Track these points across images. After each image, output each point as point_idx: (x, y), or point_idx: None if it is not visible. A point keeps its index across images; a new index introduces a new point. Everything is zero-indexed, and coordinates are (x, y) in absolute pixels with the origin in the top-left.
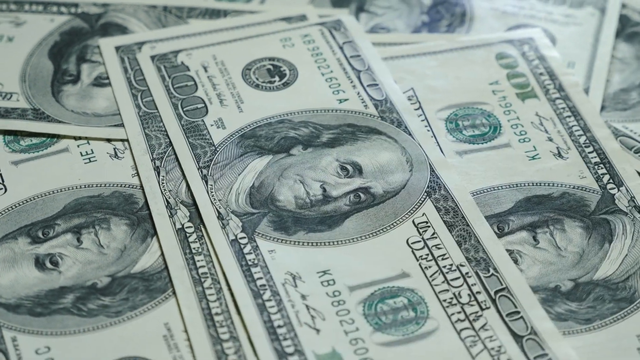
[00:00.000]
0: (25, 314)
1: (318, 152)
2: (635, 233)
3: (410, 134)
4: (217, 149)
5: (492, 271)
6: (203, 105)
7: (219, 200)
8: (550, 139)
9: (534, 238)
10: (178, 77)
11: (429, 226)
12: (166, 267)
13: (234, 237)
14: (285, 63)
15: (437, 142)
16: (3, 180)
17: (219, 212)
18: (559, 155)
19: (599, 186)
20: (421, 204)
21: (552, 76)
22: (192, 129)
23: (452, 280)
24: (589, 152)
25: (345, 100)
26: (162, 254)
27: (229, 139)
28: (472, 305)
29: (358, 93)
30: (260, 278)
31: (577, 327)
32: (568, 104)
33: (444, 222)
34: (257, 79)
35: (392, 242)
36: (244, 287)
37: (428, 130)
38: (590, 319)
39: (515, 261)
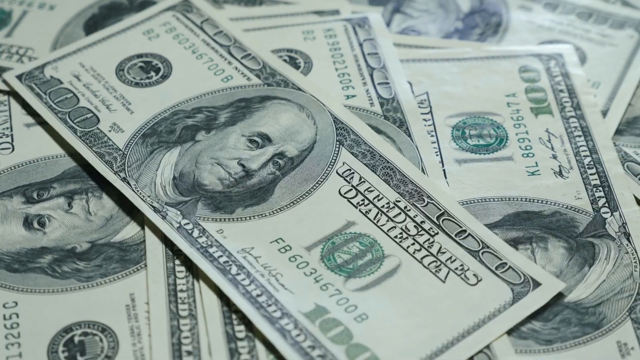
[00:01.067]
0: (2, 269)
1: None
2: (618, 260)
3: (409, 136)
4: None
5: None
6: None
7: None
8: (555, 157)
9: None
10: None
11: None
12: (144, 241)
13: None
14: (301, 55)
15: (439, 148)
16: (13, 141)
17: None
18: (560, 173)
19: (593, 209)
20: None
21: (572, 94)
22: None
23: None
24: (590, 174)
25: (353, 96)
26: (143, 228)
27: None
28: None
29: (367, 90)
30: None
31: (536, 347)
32: (581, 123)
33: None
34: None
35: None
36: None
37: (432, 136)
38: (551, 340)
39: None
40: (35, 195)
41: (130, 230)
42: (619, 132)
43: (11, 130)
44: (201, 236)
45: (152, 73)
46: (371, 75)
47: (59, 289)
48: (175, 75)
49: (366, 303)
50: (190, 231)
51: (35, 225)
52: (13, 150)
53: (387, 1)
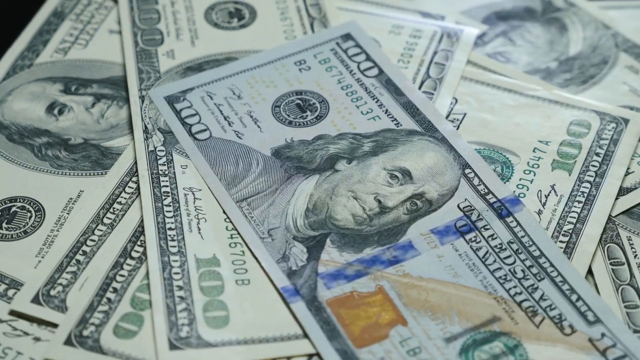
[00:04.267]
0: (4, 137)
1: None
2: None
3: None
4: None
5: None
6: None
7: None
8: (539, 212)
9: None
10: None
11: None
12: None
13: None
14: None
15: None
16: (90, 40)
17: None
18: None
19: None
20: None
21: (606, 161)
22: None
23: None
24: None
25: None
26: (137, 171)
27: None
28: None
29: None
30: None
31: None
32: (591, 191)
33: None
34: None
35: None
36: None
37: None
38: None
39: None
40: (73, 88)
41: (120, 142)
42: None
43: (95, 31)
44: (164, 165)
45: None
46: (422, 83)
47: (31, 166)
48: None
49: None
50: (159, 157)
51: (55, 111)
52: (85, 47)
53: (500, 22)
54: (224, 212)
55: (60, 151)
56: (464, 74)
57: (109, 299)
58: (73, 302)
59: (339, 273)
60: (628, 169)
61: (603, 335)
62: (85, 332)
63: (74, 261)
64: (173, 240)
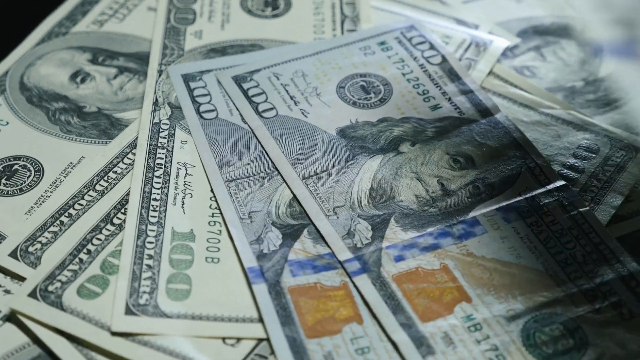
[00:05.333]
0: (24, 99)
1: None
2: None
3: None
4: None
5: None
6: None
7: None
8: None
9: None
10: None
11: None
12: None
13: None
14: None
15: None
16: (128, 15)
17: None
18: None
19: None
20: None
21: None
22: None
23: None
24: None
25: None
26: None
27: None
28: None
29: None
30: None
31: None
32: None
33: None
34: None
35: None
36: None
37: None
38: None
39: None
40: (100, 59)
41: (131, 114)
42: None
43: (135, 7)
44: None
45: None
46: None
47: (43, 128)
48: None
49: None
50: (162, 130)
51: (78, 79)
52: (122, 21)
53: (535, 36)
54: (211, 189)
55: (72, 117)
56: (483, 84)
57: (80, 260)
58: (46, 259)
59: (308, 263)
60: (629, 196)
61: None
62: (51, 288)
63: (57, 222)
64: (155, 210)
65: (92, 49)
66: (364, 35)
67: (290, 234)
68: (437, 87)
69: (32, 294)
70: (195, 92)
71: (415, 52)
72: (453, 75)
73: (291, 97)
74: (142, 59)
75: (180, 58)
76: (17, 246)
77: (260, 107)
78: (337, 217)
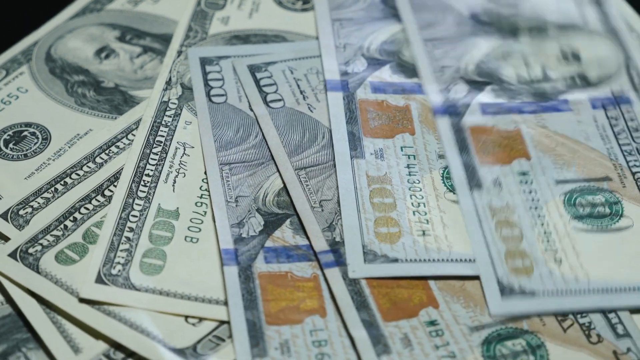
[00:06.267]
0: (50, 69)
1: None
2: None
3: None
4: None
5: None
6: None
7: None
8: None
9: None
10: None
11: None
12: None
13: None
14: None
15: None
16: None
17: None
18: None
19: None
20: None
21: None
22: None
23: None
24: None
25: None
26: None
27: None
28: None
29: None
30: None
31: None
32: None
33: None
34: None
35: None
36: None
37: None
38: None
39: None
40: (127, 37)
41: (146, 93)
42: None
43: None
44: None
45: None
46: None
47: (58, 99)
48: None
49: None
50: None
51: (102, 55)
52: (156, 2)
53: None
54: (205, 171)
55: (89, 91)
56: None
57: (65, 226)
58: (34, 222)
59: (284, 251)
60: None
61: (629, 350)
62: (31, 250)
63: (52, 189)
64: (145, 186)
65: (123, 27)
66: None
67: (273, 222)
68: None
69: (12, 254)
70: (209, 76)
71: None
72: None
73: (301, 92)
74: (168, 40)
75: (202, 41)
76: (9, 208)
77: (269, 97)
78: (322, 210)
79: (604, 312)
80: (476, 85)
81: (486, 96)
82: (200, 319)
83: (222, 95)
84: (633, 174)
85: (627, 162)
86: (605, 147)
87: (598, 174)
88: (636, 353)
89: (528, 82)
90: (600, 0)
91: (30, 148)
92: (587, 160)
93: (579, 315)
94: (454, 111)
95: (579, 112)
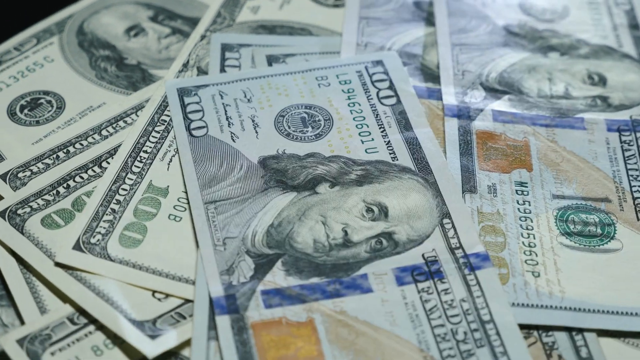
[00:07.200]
0: (77, 41)
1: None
2: None
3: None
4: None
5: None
6: None
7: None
8: None
9: None
10: None
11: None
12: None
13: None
14: None
15: None
16: None
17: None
18: None
19: None
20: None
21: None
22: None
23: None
24: None
25: None
26: None
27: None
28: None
29: None
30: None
31: None
32: None
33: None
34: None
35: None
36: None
37: None
38: None
39: None
40: (160, 18)
41: (164, 73)
42: None
43: None
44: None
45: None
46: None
47: (81, 71)
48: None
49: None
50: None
51: (132, 33)
52: None
53: None
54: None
55: (111, 66)
56: None
57: (57, 192)
58: (29, 185)
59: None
60: None
61: None
62: (20, 211)
63: (54, 155)
64: (141, 162)
65: (157, 8)
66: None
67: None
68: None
69: (2, 214)
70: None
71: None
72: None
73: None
74: (197, 24)
75: (227, 28)
76: (9, 170)
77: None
78: (224, 249)
79: (570, 331)
80: (494, 92)
81: (501, 104)
82: (167, 295)
83: (203, 127)
84: (634, 198)
85: (631, 187)
86: (611, 169)
87: (598, 194)
88: None
89: (547, 97)
90: (637, 24)
91: (43, 115)
92: (589, 180)
93: (544, 334)
94: (465, 114)
95: (593, 132)
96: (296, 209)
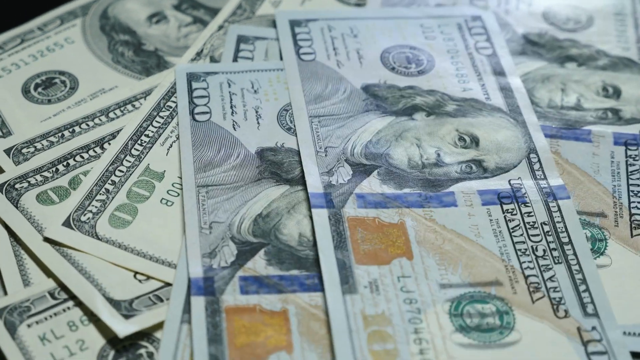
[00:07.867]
0: (99, 25)
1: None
2: None
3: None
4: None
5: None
6: None
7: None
8: None
9: None
10: None
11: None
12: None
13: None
14: None
15: None
16: None
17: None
18: None
19: None
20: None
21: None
22: None
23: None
24: None
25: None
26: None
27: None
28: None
29: None
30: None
31: None
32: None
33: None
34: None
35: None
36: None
37: None
38: None
39: None
40: (183, 7)
41: (178, 60)
42: None
43: None
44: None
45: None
46: None
47: (98, 54)
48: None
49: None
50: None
51: (154, 20)
52: None
53: None
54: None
55: (128, 51)
56: None
57: (57, 170)
58: (31, 161)
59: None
60: None
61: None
62: (18, 186)
63: (60, 134)
64: (141, 145)
65: (181, 1)
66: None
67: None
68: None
69: (0, 189)
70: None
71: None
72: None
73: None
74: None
75: (246, 20)
76: (14, 145)
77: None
78: (210, 233)
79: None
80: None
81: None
82: (148, 277)
83: (207, 112)
84: (631, 214)
85: (630, 203)
86: (612, 183)
87: (594, 208)
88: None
89: (557, 107)
90: None
91: (56, 95)
92: (587, 193)
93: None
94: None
95: (599, 144)
96: (286, 202)
